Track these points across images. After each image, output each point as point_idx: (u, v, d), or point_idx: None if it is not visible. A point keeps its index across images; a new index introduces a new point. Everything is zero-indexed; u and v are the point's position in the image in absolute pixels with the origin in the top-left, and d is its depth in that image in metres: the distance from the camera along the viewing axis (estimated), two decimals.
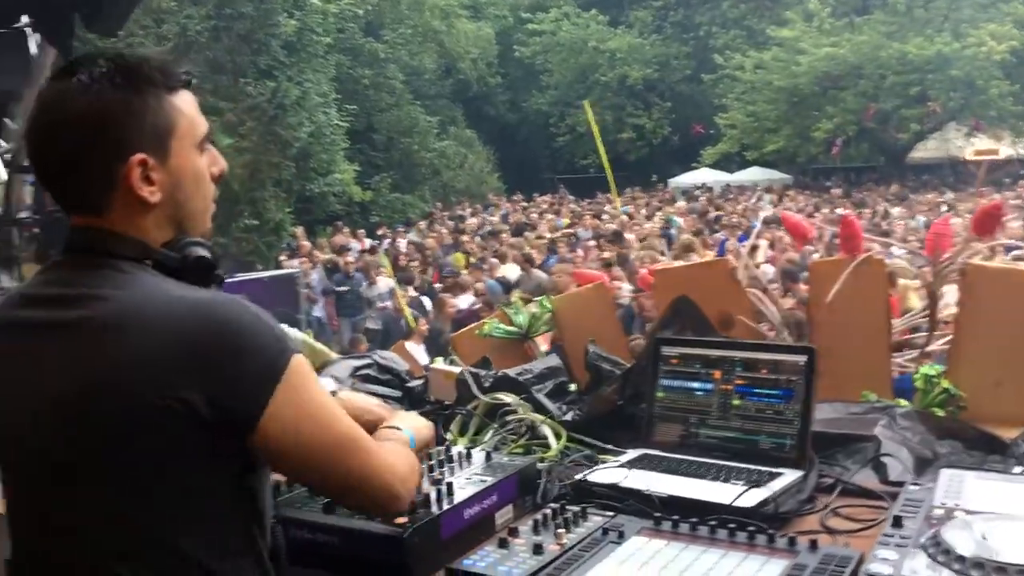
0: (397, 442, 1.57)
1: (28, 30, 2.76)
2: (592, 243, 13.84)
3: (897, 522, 1.49)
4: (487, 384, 2.35)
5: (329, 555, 1.60)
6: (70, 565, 1.33)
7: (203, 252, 1.39)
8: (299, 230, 18.54)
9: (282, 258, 15.04)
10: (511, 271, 12.35)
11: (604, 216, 19.34)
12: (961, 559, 1.31)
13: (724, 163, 31.93)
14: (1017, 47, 26.08)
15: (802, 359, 1.98)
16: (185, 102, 1.40)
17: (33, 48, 2.93)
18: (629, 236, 13.72)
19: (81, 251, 1.38)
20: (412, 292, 12.10)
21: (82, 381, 1.28)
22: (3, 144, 3.21)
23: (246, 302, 1.33)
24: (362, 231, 17.68)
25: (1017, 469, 1.92)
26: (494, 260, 13.17)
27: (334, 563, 1.61)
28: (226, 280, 1.48)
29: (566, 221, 18.80)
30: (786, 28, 29.18)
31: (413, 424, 1.68)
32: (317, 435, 1.34)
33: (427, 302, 11.38)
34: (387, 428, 1.63)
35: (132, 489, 1.29)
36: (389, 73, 24.86)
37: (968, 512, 1.52)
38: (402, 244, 16.59)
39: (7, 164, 3.20)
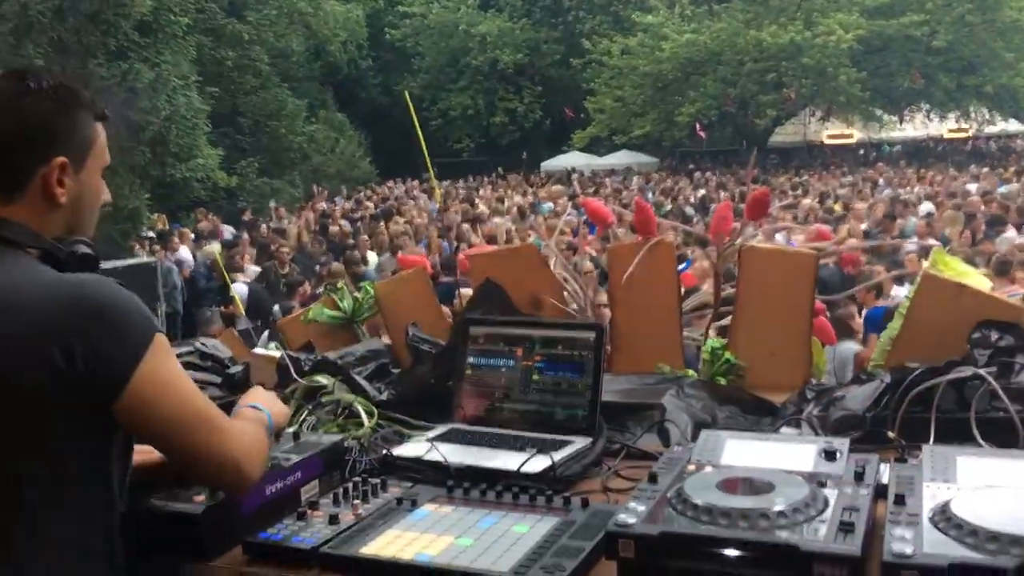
0: (254, 422, 1.70)
1: None
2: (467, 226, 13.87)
3: (653, 478, 1.65)
4: (307, 368, 2.43)
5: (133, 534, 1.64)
6: None
7: (87, 249, 1.56)
8: (161, 217, 17.83)
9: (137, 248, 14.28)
10: (374, 258, 12.20)
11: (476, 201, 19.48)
12: (695, 506, 1.49)
13: (594, 147, 32.62)
14: (864, 35, 27.54)
15: (591, 335, 2.15)
16: (102, 132, 1.62)
17: None
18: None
19: None
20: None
21: None
22: None
23: (118, 284, 1.49)
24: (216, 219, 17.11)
25: (785, 429, 2.15)
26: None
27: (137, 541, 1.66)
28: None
29: (439, 205, 18.80)
30: (650, 15, 29.98)
31: (272, 406, 1.83)
32: (176, 408, 1.49)
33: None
34: (248, 407, 1.77)
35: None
36: (254, 55, 24.18)
37: (716, 467, 1.70)
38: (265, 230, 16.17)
39: None
